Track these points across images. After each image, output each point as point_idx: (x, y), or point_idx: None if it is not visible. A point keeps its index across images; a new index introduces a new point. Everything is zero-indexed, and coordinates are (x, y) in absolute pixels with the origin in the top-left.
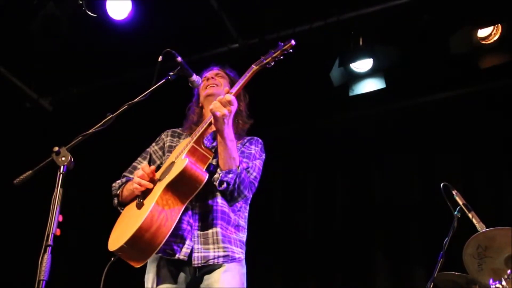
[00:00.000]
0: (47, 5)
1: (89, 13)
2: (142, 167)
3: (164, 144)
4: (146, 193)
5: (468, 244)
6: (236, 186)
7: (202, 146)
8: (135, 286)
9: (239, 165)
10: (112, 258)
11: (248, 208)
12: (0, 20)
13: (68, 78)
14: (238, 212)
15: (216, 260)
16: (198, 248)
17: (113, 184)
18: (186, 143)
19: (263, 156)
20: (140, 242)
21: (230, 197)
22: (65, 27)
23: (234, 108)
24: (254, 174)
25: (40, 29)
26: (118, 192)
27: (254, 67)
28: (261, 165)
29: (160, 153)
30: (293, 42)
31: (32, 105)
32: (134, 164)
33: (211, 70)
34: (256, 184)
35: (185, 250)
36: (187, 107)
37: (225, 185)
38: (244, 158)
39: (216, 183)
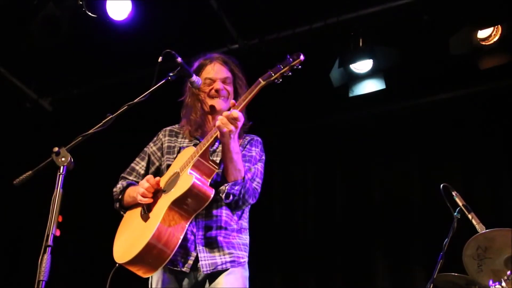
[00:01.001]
0: (47, 5)
1: (89, 13)
2: (147, 178)
3: (162, 144)
4: (151, 203)
5: (468, 245)
6: (241, 196)
7: (208, 160)
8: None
9: (244, 176)
10: (117, 264)
11: (249, 207)
12: (0, 20)
13: (68, 78)
14: (242, 215)
15: (224, 266)
16: (204, 256)
17: (114, 189)
18: (190, 154)
19: (263, 157)
20: (147, 257)
21: (235, 206)
22: (65, 27)
23: (240, 123)
24: (257, 179)
25: (40, 29)
26: (120, 197)
27: (262, 82)
28: (262, 168)
29: (159, 154)
30: (302, 57)
31: (32, 105)
32: (132, 165)
33: (214, 64)
34: (259, 190)
35: (189, 262)
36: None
37: (231, 197)
38: (246, 163)
39: (223, 196)
